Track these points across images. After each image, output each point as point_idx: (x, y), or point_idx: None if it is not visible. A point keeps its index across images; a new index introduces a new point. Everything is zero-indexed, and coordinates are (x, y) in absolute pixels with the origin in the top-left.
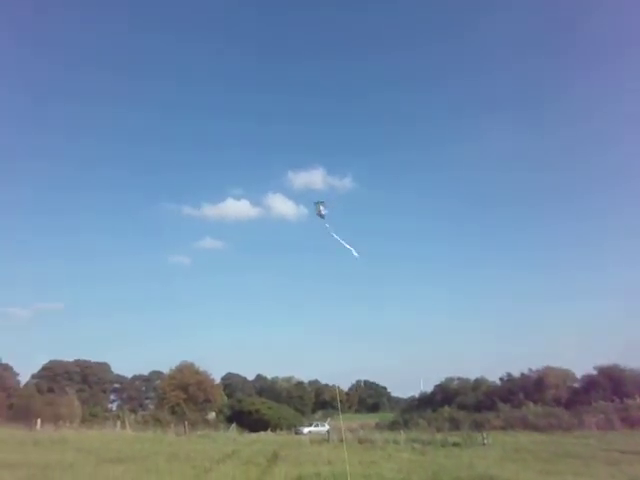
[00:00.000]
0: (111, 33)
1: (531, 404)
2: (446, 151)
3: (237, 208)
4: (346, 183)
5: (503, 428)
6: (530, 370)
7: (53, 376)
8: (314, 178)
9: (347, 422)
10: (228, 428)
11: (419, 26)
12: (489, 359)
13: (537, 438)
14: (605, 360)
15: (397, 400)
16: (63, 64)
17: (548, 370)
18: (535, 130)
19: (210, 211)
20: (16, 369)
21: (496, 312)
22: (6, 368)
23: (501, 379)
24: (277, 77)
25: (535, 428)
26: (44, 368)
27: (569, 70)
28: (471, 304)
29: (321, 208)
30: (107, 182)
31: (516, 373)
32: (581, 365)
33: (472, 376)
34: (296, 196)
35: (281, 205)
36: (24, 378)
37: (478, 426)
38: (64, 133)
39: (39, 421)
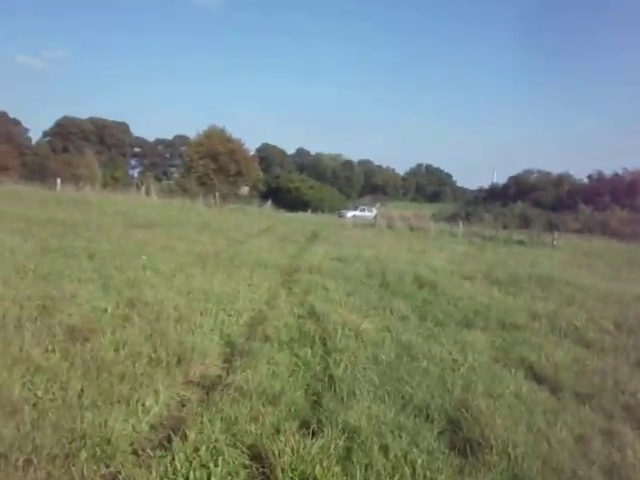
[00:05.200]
0: None
1: (618, 208)
2: None
3: None
4: None
5: (580, 232)
6: (625, 170)
7: (67, 135)
8: None
9: (399, 210)
10: (262, 204)
11: None
12: (578, 152)
13: (615, 245)
14: None
15: (463, 191)
16: None
17: None
18: None
19: None
20: (26, 124)
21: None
22: (15, 123)
23: (589, 177)
24: None
25: (616, 235)
26: (57, 125)
27: None
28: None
29: None
30: None
31: (608, 172)
32: None
33: (555, 171)
34: None
35: None
36: (35, 135)
37: (552, 227)
38: None
39: (59, 181)
